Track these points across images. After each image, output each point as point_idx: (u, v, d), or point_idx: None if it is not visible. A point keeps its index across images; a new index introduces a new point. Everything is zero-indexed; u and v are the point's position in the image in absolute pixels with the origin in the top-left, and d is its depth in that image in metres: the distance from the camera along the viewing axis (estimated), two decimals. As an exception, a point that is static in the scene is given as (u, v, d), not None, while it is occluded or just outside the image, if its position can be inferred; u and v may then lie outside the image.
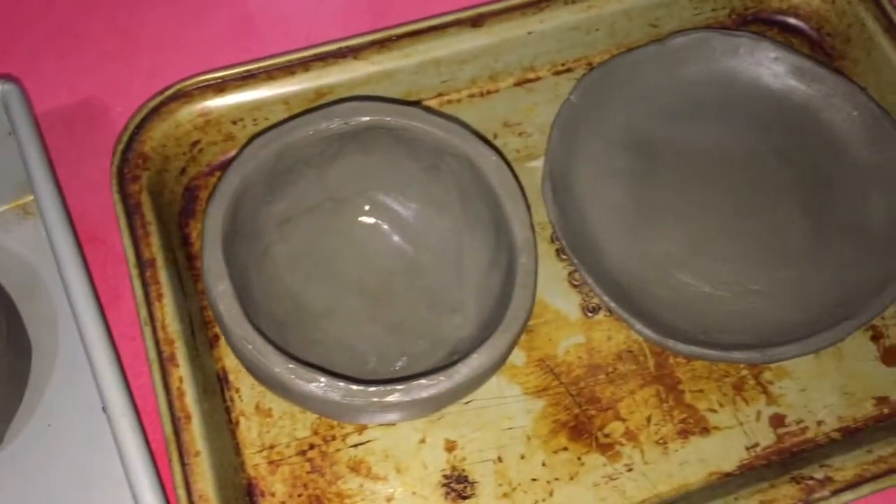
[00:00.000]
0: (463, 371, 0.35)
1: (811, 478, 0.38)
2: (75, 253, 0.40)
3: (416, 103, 0.44)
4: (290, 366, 0.34)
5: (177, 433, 0.37)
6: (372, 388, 0.34)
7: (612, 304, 0.41)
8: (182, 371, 0.38)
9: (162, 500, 0.35)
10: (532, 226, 0.38)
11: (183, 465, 0.37)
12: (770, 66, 0.48)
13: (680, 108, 0.48)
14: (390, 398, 0.34)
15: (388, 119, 0.39)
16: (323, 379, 0.34)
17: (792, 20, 0.52)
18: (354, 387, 0.34)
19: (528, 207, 0.39)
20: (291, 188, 0.41)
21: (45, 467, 0.40)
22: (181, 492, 0.36)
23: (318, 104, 0.46)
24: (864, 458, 0.38)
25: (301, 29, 0.52)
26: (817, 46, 0.52)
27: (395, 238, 0.43)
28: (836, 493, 0.37)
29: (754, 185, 0.46)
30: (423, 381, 0.34)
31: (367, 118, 0.39)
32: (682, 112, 0.48)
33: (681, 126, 0.48)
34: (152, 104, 0.44)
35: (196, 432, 0.37)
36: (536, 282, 0.38)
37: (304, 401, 0.35)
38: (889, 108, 0.48)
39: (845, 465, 0.38)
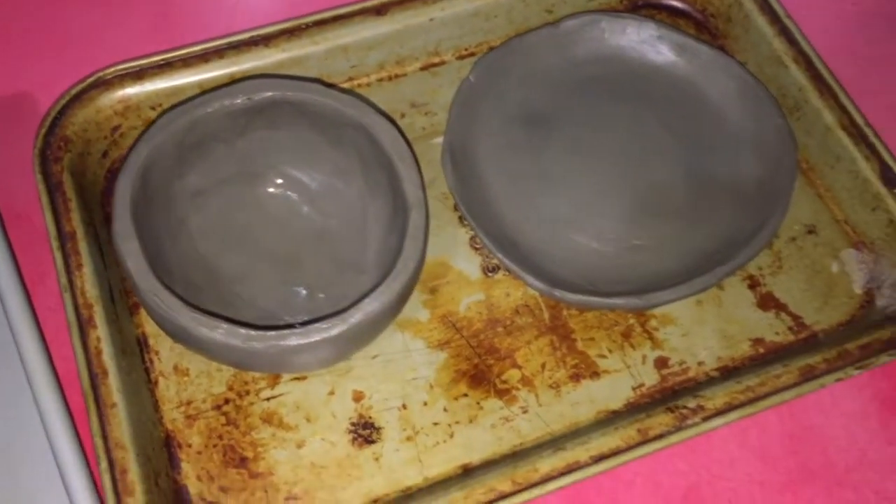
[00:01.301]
0: (356, 315, 0.38)
1: (685, 407, 0.41)
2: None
3: (316, 80, 0.47)
4: (194, 314, 0.37)
5: (94, 387, 0.40)
6: (271, 333, 0.37)
7: (507, 261, 0.44)
8: (100, 332, 0.41)
9: (78, 448, 0.38)
10: (423, 186, 0.41)
11: (100, 415, 0.39)
12: (654, 45, 0.52)
13: (572, 84, 0.52)
14: (288, 341, 0.37)
15: (289, 94, 0.43)
16: (224, 325, 0.37)
17: (678, 4, 0.56)
18: (254, 332, 0.37)
19: (419, 170, 0.42)
20: (202, 162, 0.44)
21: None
22: (98, 440, 0.38)
23: (230, 87, 0.49)
24: (734, 388, 0.42)
25: (221, 21, 0.55)
26: (703, 27, 0.56)
27: (304, 208, 0.46)
28: (706, 419, 0.41)
29: (640, 151, 0.50)
30: (319, 324, 0.37)
31: (270, 93, 0.43)
32: (575, 88, 0.52)
33: (573, 101, 0.51)
34: (74, 91, 0.47)
35: (112, 386, 0.40)
36: (427, 235, 0.41)
37: (211, 349, 0.38)
38: (767, 80, 0.52)
39: (716, 395, 0.41)
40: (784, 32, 0.51)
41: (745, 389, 0.42)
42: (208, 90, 0.44)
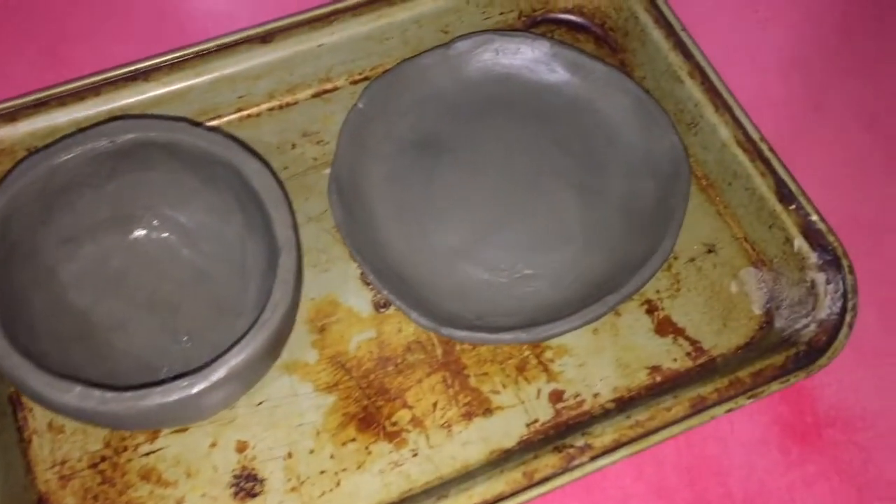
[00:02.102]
0: (219, 370, 0.36)
1: (572, 446, 0.40)
2: None
3: (184, 119, 0.46)
4: (46, 378, 0.35)
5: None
6: (128, 394, 0.35)
7: (392, 297, 0.43)
8: (-37, 393, 0.39)
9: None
10: (294, 226, 0.40)
11: (-40, 484, 0.37)
12: (548, 63, 0.51)
13: (466, 106, 0.50)
14: (147, 402, 0.35)
15: (154, 135, 0.41)
16: (78, 388, 0.35)
17: (578, 19, 0.55)
18: (109, 394, 0.35)
19: (291, 208, 0.40)
20: (70, 208, 0.42)
21: None
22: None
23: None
24: (623, 424, 0.41)
25: (109, 54, 0.53)
26: (602, 41, 0.55)
27: (184, 249, 0.45)
28: (593, 458, 0.40)
29: (535, 173, 0.48)
30: (180, 381, 0.36)
31: (134, 135, 0.41)
32: (469, 110, 0.50)
33: (467, 124, 0.50)
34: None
35: (-24, 451, 0.38)
36: (299, 278, 0.40)
37: (69, 413, 0.36)
38: (664, 94, 0.51)
39: (605, 432, 0.40)
40: (679, 46, 0.50)
41: (635, 424, 0.40)
42: (70, 134, 0.42)
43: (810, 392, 0.44)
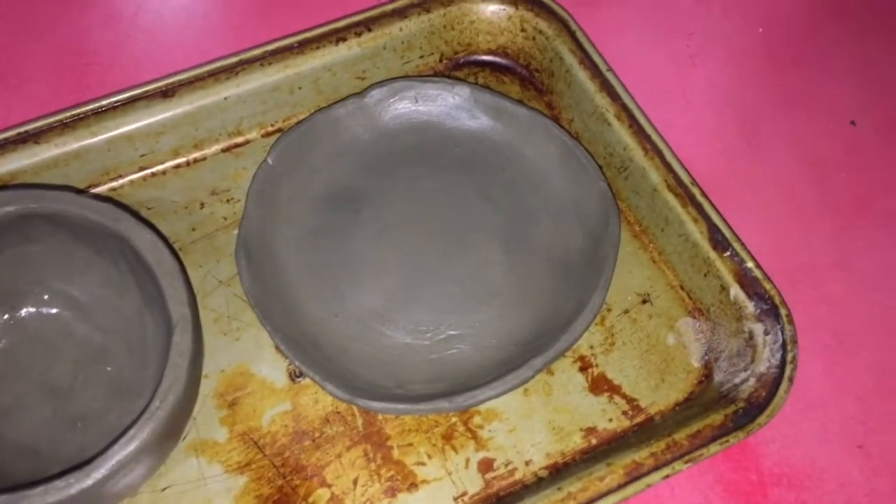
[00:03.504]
0: (101, 468, 0.33)
1: (501, 521, 0.37)
2: None
3: (69, 187, 0.43)
4: None
5: None
6: (2, 497, 0.32)
7: (304, 368, 0.40)
8: None
9: None
10: (190, 301, 0.37)
11: None
12: (469, 109, 0.49)
13: (384, 158, 0.48)
14: (46, 499, 0.32)
15: (35, 206, 0.38)
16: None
17: (502, 60, 0.53)
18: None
19: (188, 282, 0.37)
20: (-54, 288, 0.39)
21: None
22: None
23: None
24: (555, 497, 0.38)
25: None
26: (528, 83, 0.52)
27: (79, 326, 0.41)
28: (525, 532, 0.37)
29: (459, 228, 0.46)
30: (57, 482, 0.32)
31: (13, 208, 0.38)
32: (387, 162, 0.48)
33: (386, 177, 0.47)
34: None
35: None
36: (195, 358, 0.36)
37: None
38: (592, 136, 0.49)
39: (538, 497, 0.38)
40: (605, 87, 0.48)
41: (567, 497, 0.38)
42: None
43: (753, 448, 0.42)
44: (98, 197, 0.40)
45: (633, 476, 0.38)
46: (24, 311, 0.41)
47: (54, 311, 0.41)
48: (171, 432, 0.36)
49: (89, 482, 0.33)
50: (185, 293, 0.37)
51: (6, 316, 0.41)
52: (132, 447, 0.33)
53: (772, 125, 0.52)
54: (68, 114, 0.45)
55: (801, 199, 0.50)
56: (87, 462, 0.33)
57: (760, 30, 0.56)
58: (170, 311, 0.36)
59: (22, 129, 0.45)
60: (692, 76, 0.54)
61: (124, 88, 0.46)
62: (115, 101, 0.46)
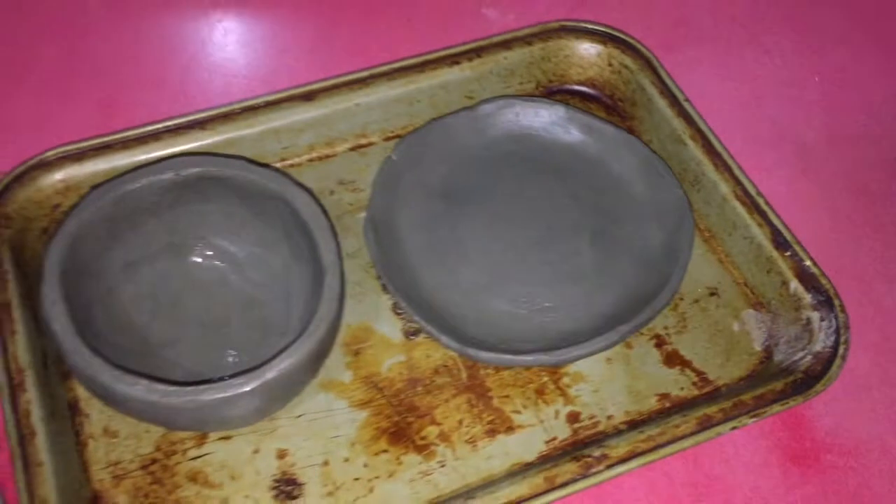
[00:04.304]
0: (270, 371, 0.40)
1: (590, 456, 0.43)
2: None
3: (240, 157, 0.51)
4: (114, 372, 0.39)
5: (22, 446, 0.41)
6: (188, 388, 0.39)
7: (422, 322, 0.47)
8: (30, 395, 0.43)
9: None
10: (338, 252, 0.44)
11: (26, 473, 0.40)
12: (564, 125, 0.56)
13: (488, 161, 0.56)
14: (205, 396, 0.39)
15: (214, 170, 0.46)
16: (143, 381, 0.39)
17: (590, 90, 0.61)
18: (171, 387, 0.39)
19: (336, 237, 0.45)
20: (133, 235, 0.47)
21: None
22: (23, 496, 0.40)
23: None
24: (637, 438, 0.44)
25: (163, 106, 0.58)
26: (612, 110, 0.60)
27: (232, 277, 0.49)
28: (609, 466, 0.43)
29: (550, 222, 0.53)
30: (234, 379, 0.39)
31: (196, 169, 0.46)
32: (490, 165, 0.56)
33: (489, 176, 0.55)
34: (15, 172, 0.50)
35: (40, 446, 0.41)
36: (342, 297, 0.44)
37: (132, 406, 0.40)
38: (668, 154, 0.56)
39: (620, 445, 0.44)
40: (682, 114, 0.56)
41: (647, 439, 0.44)
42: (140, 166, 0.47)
43: (808, 421, 0.48)
44: (264, 165, 0.48)
45: (705, 426, 0.44)
46: (190, 261, 0.49)
47: (215, 263, 0.49)
48: (319, 356, 0.43)
49: (258, 383, 0.40)
50: (334, 245, 0.44)
51: (177, 263, 0.48)
52: (293, 359, 0.40)
53: (827, 160, 0.59)
54: (228, 108, 0.54)
55: (850, 222, 0.56)
56: (255, 368, 0.40)
57: (817, 78, 0.64)
58: (321, 259, 0.44)
59: (190, 118, 0.53)
60: (757, 113, 0.62)
61: (274, 91, 0.55)
62: (267, 101, 0.55)
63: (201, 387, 0.39)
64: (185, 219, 0.48)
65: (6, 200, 0.49)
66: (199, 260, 0.49)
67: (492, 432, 0.46)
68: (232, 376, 0.40)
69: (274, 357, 0.41)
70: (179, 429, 0.44)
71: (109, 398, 0.40)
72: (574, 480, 0.42)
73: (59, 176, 0.51)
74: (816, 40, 0.66)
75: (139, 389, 0.39)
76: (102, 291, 0.46)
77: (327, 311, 0.42)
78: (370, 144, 0.57)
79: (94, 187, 0.46)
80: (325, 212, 0.46)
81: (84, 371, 0.39)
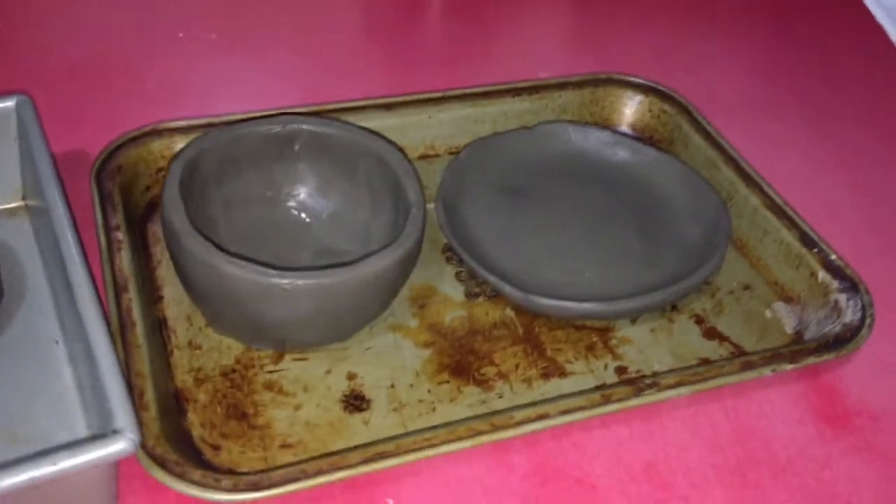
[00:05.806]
0: (360, 268, 0.45)
1: (642, 381, 0.47)
2: (77, 242, 0.45)
3: (337, 119, 0.57)
4: (226, 257, 0.44)
5: (122, 330, 0.45)
6: (289, 271, 0.44)
7: (486, 274, 0.52)
8: (131, 295, 0.47)
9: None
10: (422, 192, 0.50)
11: (126, 351, 0.44)
12: (612, 147, 0.64)
13: (543, 172, 0.62)
14: (301, 281, 0.43)
15: (316, 128, 0.52)
16: (245, 262, 0.43)
17: (630, 131, 0.69)
18: (272, 270, 0.43)
19: (420, 181, 0.51)
20: (236, 178, 0.53)
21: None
22: (122, 367, 0.43)
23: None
24: (685, 372, 0.48)
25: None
26: (652, 145, 0.68)
27: (315, 229, 0.54)
28: (660, 390, 0.46)
29: (599, 221, 0.59)
30: (329, 270, 0.44)
31: (300, 126, 0.52)
32: (545, 175, 0.62)
33: (544, 181, 0.61)
34: (132, 134, 0.57)
35: (139, 333, 0.45)
36: (425, 222, 0.49)
37: (234, 292, 0.44)
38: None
39: (669, 375, 0.47)
40: (716, 146, 0.63)
41: (694, 373, 0.48)
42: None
43: (840, 389, 0.51)
44: (359, 127, 0.54)
45: (746, 367, 0.48)
46: (277, 212, 0.54)
47: (298, 214, 0.55)
48: (403, 266, 0.47)
49: (349, 276, 0.44)
50: (419, 187, 0.50)
51: (267, 213, 0.54)
52: (384, 261, 0.45)
53: (846, 199, 0.66)
54: (317, 108, 0.61)
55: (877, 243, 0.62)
56: (349, 263, 0.45)
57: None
58: (408, 197, 0.49)
59: (284, 111, 0.60)
60: (783, 158, 0.69)
61: (362, 98, 0.63)
62: (352, 106, 0.62)
63: (303, 271, 0.44)
64: (280, 173, 0.54)
65: (121, 155, 0.56)
66: (288, 212, 0.54)
67: (546, 376, 0.50)
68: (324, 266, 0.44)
69: (366, 255, 0.45)
70: (264, 333, 0.47)
71: (215, 283, 0.44)
72: (627, 398, 0.46)
73: (166, 143, 0.58)
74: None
75: (240, 267, 0.43)
76: (203, 218, 0.51)
77: (413, 229, 0.47)
78: (436, 156, 0.64)
79: (213, 125, 0.52)
80: (411, 163, 0.52)
81: (198, 254, 0.44)
